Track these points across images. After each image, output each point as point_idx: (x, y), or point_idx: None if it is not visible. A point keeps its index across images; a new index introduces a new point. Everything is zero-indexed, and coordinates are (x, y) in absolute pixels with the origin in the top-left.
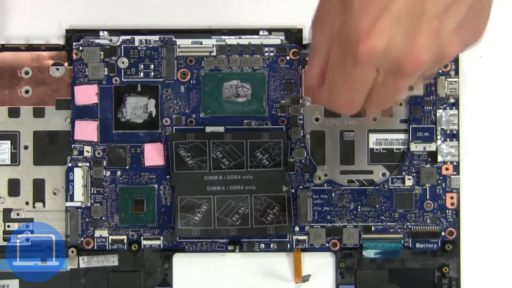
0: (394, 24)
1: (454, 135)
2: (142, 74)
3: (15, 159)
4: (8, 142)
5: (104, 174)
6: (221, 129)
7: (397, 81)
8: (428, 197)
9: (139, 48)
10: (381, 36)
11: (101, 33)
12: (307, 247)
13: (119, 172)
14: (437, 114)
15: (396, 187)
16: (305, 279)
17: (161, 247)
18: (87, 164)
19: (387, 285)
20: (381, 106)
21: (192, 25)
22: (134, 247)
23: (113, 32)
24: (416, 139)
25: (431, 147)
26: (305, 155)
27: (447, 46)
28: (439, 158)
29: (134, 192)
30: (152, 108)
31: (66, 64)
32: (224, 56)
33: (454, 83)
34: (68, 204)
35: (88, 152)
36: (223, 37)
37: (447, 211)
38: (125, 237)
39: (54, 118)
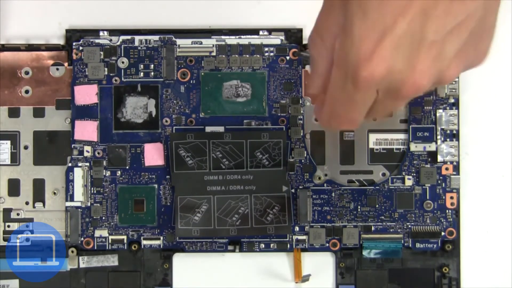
0: (395, 49)
1: (454, 135)
2: (142, 74)
3: (15, 159)
4: (8, 142)
5: (104, 174)
6: (221, 129)
7: (396, 102)
8: (428, 197)
9: (139, 48)
10: (382, 62)
11: (101, 33)
12: (307, 247)
13: (119, 172)
14: (437, 114)
15: (396, 187)
16: (305, 279)
17: (161, 247)
18: (87, 164)
19: (387, 285)
20: (378, 117)
21: (192, 25)
22: (134, 247)
23: (113, 32)
24: (416, 139)
25: (431, 147)
26: (305, 155)
27: (447, 70)
28: (439, 158)
29: (134, 192)
30: (152, 108)
31: (66, 64)
32: (224, 56)
33: (454, 83)
34: (68, 204)
35: (88, 152)
36: (223, 37)
37: (447, 211)
38: (125, 237)
39: (54, 118)
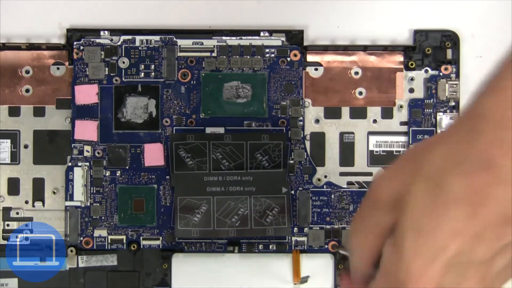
0: (444, 270)
1: None
2: (142, 74)
3: (15, 158)
4: (8, 141)
5: (104, 174)
6: (221, 130)
7: None
8: None
9: (139, 48)
10: (430, 282)
11: (102, 33)
12: (306, 248)
13: (119, 172)
14: (438, 117)
15: None
16: (304, 280)
17: (160, 247)
18: (87, 163)
19: None
20: None
21: (193, 26)
22: (133, 247)
23: (114, 32)
24: (416, 142)
25: None
26: (305, 156)
27: (492, 286)
28: None
29: (133, 192)
30: (152, 108)
31: (66, 63)
32: (224, 57)
33: (454, 86)
34: (68, 203)
35: (88, 151)
36: (224, 37)
37: None
38: (124, 237)
39: (54, 117)
